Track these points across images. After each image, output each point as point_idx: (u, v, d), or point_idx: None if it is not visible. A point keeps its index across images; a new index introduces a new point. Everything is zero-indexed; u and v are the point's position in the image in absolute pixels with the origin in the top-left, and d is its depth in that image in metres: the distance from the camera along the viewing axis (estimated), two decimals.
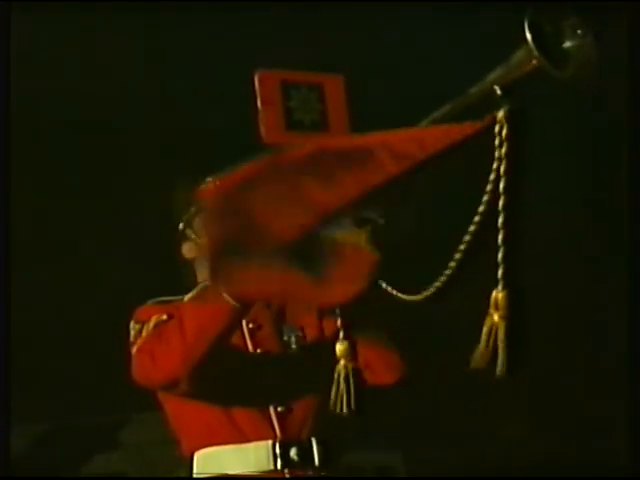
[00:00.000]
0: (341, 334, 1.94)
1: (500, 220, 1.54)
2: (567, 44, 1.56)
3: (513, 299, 1.54)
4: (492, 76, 1.60)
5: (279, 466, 2.24)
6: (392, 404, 2.32)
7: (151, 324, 2.27)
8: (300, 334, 2.40)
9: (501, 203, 1.53)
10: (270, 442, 2.26)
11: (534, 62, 1.52)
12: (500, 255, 1.54)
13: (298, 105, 2.02)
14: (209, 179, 2.50)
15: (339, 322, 1.95)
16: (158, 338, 2.18)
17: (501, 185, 1.53)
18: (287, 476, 2.26)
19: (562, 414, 5.16)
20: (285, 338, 2.38)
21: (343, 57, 3.12)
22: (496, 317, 1.54)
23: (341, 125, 2.05)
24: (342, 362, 1.93)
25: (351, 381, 1.92)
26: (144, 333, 2.26)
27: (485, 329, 1.55)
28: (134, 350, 2.26)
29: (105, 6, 3.55)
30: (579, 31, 1.55)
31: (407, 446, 4.48)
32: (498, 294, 1.53)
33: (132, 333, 2.31)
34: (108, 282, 4.16)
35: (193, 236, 2.48)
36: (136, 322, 2.33)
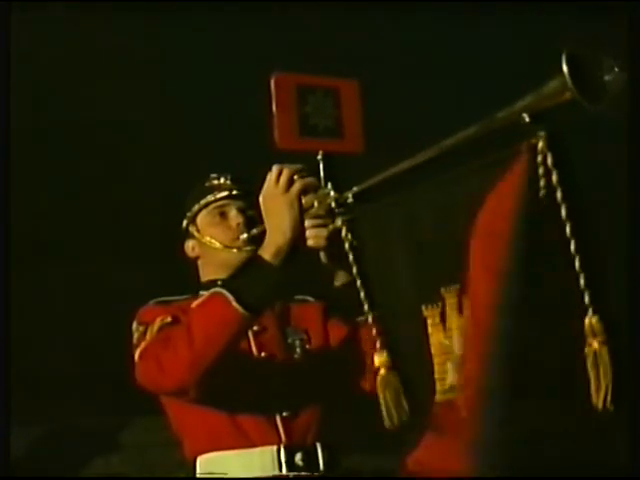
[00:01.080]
0: (378, 344, 1.88)
1: (572, 247, 1.52)
2: (603, 78, 1.55)
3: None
4: (521, 103, 1.61)
5: (284, 471, 2.22)
6: None
7: (155, 326, 2.24)
8: (304, 337, 2.38)
9: (568, 229, 1.52)
10: (275, 447, 2.24)
11: (568, 94, 1.51)
12: (582, 281, 1.51)
13: (313, 110, 2.01)
14: (213, 175, 2.50)
15: (374, 331, 1.89)
16: (165, 344, 2.14)
17: (563, 212, 1.52)
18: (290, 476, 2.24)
19: (562, 414, 5.15)
20: (289, 341, 2.36)
21: (357, 62, 3.10)
22: (596, 344, 1.51)
23: (355, 132, 2.04)
24: (382, 371, 1.86)
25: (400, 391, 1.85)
26: (148, 336, 2.23)
27: (590, 360, 1.52)
28: (138, 352, 2.23)
29: (110, 6, 3.54)
30: (616, 68, 1.56)
31: (407, 449, 4.46)
32: (591, 319, 1.51)
33: (135, 335, 2.27)
34: (109, 282, 4.15)
35: (196, 234, 2.45)
36: (139, 323, 2.30)
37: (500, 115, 1.67)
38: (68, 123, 3.94)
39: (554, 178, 1.51)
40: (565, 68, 1.49)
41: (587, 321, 1.51)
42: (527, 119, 1.58)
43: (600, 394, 1.51)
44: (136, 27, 3.66)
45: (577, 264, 1.51)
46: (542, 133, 1.54)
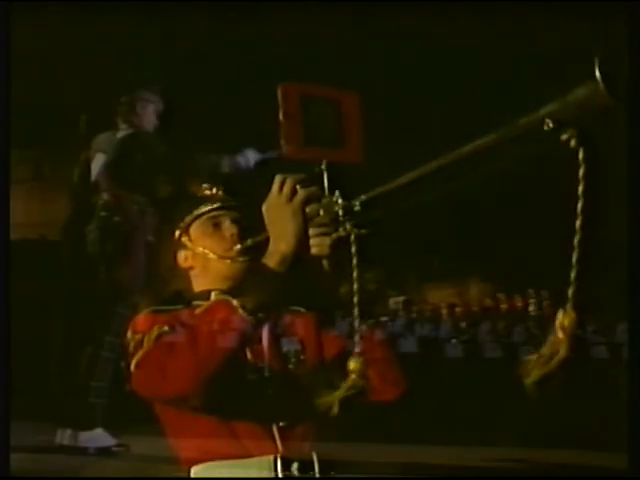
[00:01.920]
0: (357, 349, 1.92)
1: (576, 240, 1.54)
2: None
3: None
4: (546, 109, 1.59)
5: None
6: (393, 416, 2.31)
7: (153, 334, 2.21)
8: (299, 347, 2.37)
9: (578, 223, 1.54)
10: (272, 457, 2.23)
11: (601, 100, 1.50)
12: (573, 275, 1.53)
13: (316, 120, 2.03)
14: (205, 186, 2.49)
15: (357, 337, 1.92)
16: (167, 351, 2.12)
17: (579, 205, 1.54)
18: None
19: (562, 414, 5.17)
20: (284, 351, 2.36)
21: (359, 74, 3.10)
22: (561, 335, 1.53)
23: (355, 142, 2.06)
24: (353, 377, 1.91)
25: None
26: (145, 344, 2.20)
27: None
28: (135, 361, 2.20)
29: (110, 6, 3.54)
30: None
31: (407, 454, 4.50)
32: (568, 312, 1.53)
33: (131, 344, 2.24)
34: (104, 292, 4.14)
35: (189, 244, 2.44)
36: (135, 332, 2.27)
37: (522, 121, 1.65)
38: (67, 123, 3.95)
39: (580, 172, 1.52)
40: (598, 75, 1.48)
41: (562, 313, 1.53)
42: (551, 125, 1.56)
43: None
44: (136, 28, 3.65)
45: (574, 257, 1.53)
46: (573, 130, 1.54)
